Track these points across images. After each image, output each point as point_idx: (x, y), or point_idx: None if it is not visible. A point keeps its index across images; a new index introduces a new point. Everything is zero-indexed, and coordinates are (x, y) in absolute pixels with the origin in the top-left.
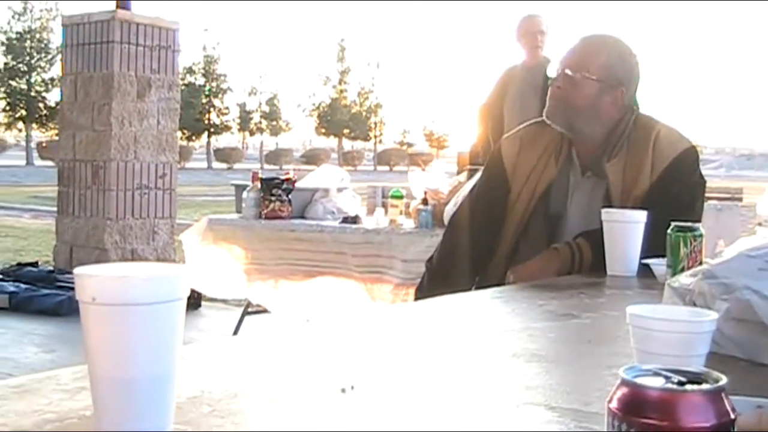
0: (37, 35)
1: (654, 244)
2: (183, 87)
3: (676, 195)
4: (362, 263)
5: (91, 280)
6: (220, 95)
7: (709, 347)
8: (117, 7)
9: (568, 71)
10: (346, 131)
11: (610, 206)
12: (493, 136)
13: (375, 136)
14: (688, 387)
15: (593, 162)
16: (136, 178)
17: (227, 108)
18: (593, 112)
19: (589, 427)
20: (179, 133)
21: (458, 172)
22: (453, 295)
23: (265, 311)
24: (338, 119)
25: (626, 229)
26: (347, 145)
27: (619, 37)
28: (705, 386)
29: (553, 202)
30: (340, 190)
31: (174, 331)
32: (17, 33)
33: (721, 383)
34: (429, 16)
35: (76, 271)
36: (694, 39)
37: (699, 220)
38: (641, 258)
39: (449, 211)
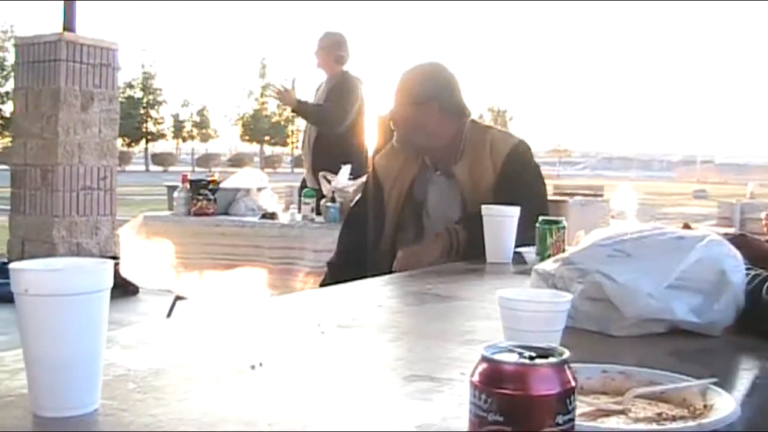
0: None
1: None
2: (123, 100)
3: (519, 181)
4: (276, 255)
5: (24, 274)
6: (156, 107)
7: (566, 323)
8: (64, 29)
9: (393, 108)
10: (267, 138)
11: (464, 200)
12: None
13: (292, 143)
14: (537, 361)
15: (441, 165)
16: (81, 180)
17: (162, 118)
18: (420, 129)
19: (463, 394)
20: (120, 140)
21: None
22: (351, 283)
23: (189, 298)
24: (260, 128)
25: (503, 223)
26: (268, 150)
27: (428, 63)
28: (551, 359)
29: (417, 193)
30: (259, 189)
31: (100, 318)
32: None
33: (564, 356)
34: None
35: (12, 266)
36: (565, 54)
37: (545, 201)
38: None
39: None
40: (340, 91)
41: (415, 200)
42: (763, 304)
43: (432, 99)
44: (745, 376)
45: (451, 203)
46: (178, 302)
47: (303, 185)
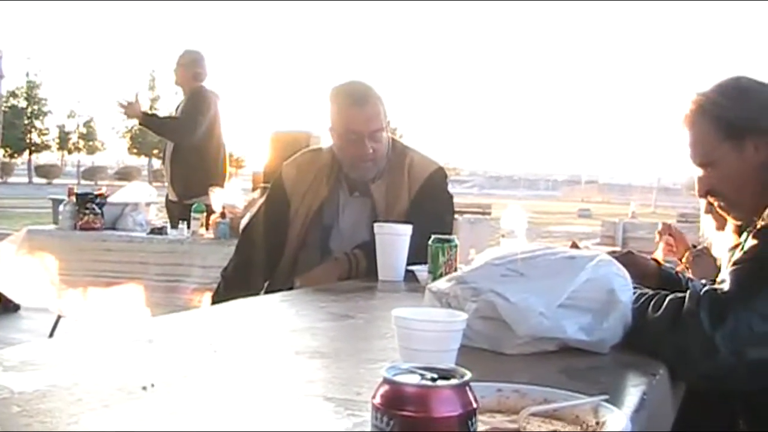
0: None
1: (418, 250)
2: (6, 109)
3: (432, 209)
4: (162, 271)
5: None
6: (41, 117)
7: (460, 342)
8: None
9: (374, 132)
10: (155, 151)
11: (377, 220)
12: None
13: None
14: (439, 383)
15: (361, 184)
16: None
17: (47, 129)
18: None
19: (360, 414)
20: (1, 151)
21: (253, 190)
22: (245, 300)
23: (69, 316)
24: (148, 140)
25: (395, 241)
26: (156, 163)
27: (360, 81)
28: (453, 381)
29: (326, 216)
30: (148, 204)
31: None
32: None
33: (466, 378)
34: (228, 51)
35: None
36: (454, 72)
37: (451, 230)
38: (407, 264)
39: (244, 223)
40: (192, 104)
41: (323, 224)
42: (649, 322)
43: (388, 119)
44: (633, 393)
45: (364, 225)
46: (62, 320)
47: (167, 198)
